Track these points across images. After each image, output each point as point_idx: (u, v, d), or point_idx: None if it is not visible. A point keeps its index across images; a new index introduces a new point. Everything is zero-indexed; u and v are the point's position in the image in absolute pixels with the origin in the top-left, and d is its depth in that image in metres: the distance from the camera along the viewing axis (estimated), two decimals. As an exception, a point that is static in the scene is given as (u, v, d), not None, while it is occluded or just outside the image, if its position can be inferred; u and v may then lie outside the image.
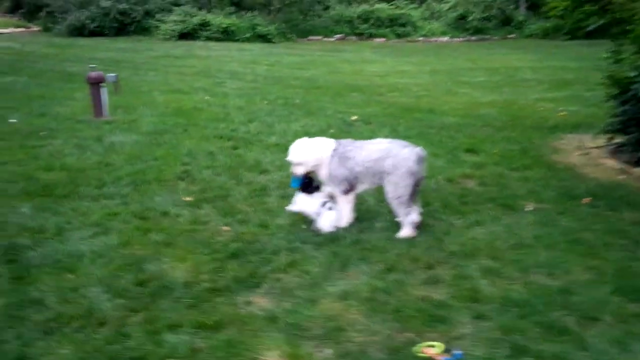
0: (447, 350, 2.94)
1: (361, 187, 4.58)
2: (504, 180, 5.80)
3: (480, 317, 3.28)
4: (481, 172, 6.03)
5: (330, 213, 4.47)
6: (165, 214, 4.90)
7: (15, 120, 8.33)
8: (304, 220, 4.66)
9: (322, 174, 4.55)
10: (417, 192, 4.49)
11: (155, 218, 4.82)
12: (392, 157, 4.31)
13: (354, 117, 8.84)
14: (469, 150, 6.93)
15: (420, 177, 4.42)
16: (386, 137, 7.52)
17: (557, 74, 14.39)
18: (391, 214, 4.58)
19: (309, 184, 4.62)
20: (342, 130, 7.94)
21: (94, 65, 8.52)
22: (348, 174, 4.43)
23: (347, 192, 4.52)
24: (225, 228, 4.60)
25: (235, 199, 5.25)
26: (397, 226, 4.46)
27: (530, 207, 5.01)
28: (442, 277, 3.74)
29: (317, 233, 4.42)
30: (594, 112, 9.38)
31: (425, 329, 3.16)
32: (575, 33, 8.66)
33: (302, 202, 4.58)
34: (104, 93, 8.53)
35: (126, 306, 3.44)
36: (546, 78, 13.60)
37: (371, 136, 6.29)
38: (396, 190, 4.31)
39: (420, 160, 4.37)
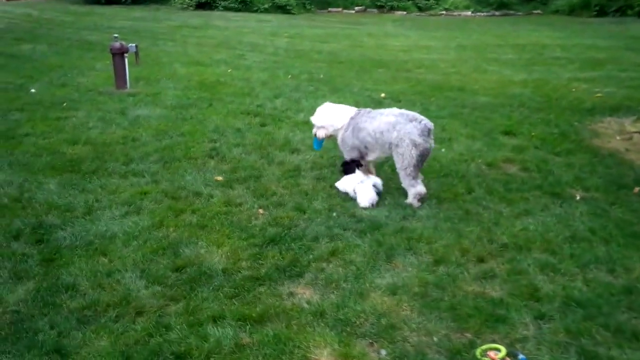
0: (510, 354, 2.74)
1: (372, 156, 4.77)
2: (547, 165, 5.53)
3: (542, 317, 3.07)
4: (522, 157, 5.77)
5: (363, 188, 4.50)
6: (197, 194, 4.71)
7: (35, 91, 8.13)
8: (342, 205, 4.45)
9: (339, 138, 4.91)
10: (422, 164, 4.55)
11: (188, 198, 4.62)
12: (397, 130, 4.43)
13: (383, 95, 8.55)
14: (507, 133, 6.65)
15: (425, 149, 4.43)
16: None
17: (588, 52, 13.91)
18: (435, 201, 4.37)
19: (349, 165, 4.70)
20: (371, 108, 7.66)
21: (117, 35, 8.26)
22: (358, 144, 4.71)
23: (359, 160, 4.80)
24: (260, 211, 4.40)
25: (268, 180, 5.04)
26: (443, 215, 4.25)
27: (579, 195, 4.75)
28: (496, 272, 3.52)
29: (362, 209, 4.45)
30: (630, 94, 9.03)
31: (484, 330, 2.96)
32: (626, 11, 8.22)
33: (344, 182, 4.69)
34: (127, 64, 8.29)
35: (164, 294, 3.27)
36: (577, 57, 13.14)
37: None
38: (403, 161, 4.42)
39: (424, 133, 4.41)
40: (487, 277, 3.46)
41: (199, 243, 3.88)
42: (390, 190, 4.78)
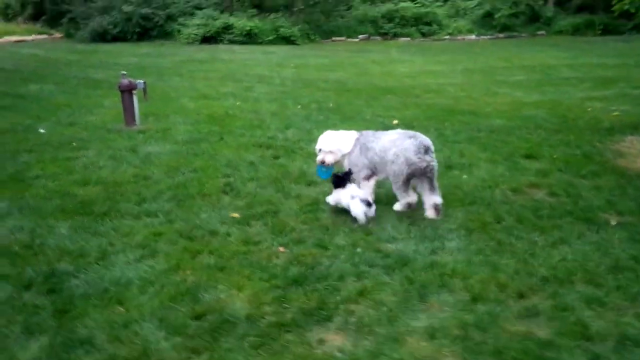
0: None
1: (381, 176, 4.86)
2: (574, 189, 5.32)
3: (597, 359, 2.83)
4: (547, 181, 5.56)
5: (356, 202, 4.51)
6: (213, 232, 4.52)
7: (44, 131, 8.03)
8: (364, 239, 4.25)
9: (346, 162, 4.94)
10: (432, 180, 4.63)
11: (204, 238, 4.43)
12: (396, 147, 4.60)
13: (396, 121, 8.39)
14: (528, 156, 6.45)
15: (420, 167, 4.53)
16: (432, 142, 7.16)
17: (597, 71, 13.80)
18: (464, 231, 4.16)
19: (340, 178, 4.74)
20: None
21: (125, 72, 8.18)
22: (368, 163, 4.80)
23: (368, 177, 4.87)
24: (281, 249, 4.19)
25: (286, 215, 4.84)
26: (474, 247, 4.04)
27: (614, 220, 4.53)
28: (539, 308, 3.29)
29: (356, 224, 4.50)
30: (649, 112, 8.87)
31: (535, 375, 2.72)
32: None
33: (337, 196, 4.76)
34: (136, 101, 8.20)
35: (186, 346, 3.05)
36: (586, 76, 13.03)
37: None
38: (395, 176, 4.63)
39: (420, 150, 4.53)
40: (530, 315, 3.23)
41: (219, 287, 3.67)
42: (416, 221, 4.58)
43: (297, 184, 5.68)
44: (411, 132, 4.74)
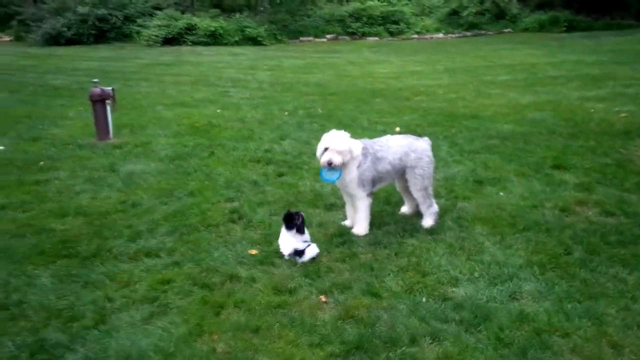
0: None
1: (376, 187, 4.45)
2: (628, 206, 4.76)
3: None
4: (594, 197, 4.98)
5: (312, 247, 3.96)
6: (233, 277, 3.73)
7: (3, 148, 7.02)
8: (421, 281, 3.55)
9: (350, 173, 4.23)
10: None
11: (224, 285, 3.64)
12: (413, 151, 4.36)
13: (398, 129, 7.73)
14: (557, 166, 5.89)
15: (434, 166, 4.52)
16: (448, 152, 6.52)
17: (579, 69, 13.50)
18: (537, 269, 3.52)
19: (293, 218, 4.01)
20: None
21: (97, 80, 7.24)
22: (375, 175, 4.30)
23: (370, 193, 4.33)
24: (323, 298, 3.45)
25: (314, 250, 4.09)
26: (557, 289, 3.38)
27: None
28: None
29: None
30: (656, 112, 8.50)
31: None
32: None
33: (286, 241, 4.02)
34: (109, 112, 7.27)
35: None
36: (571, 74, 12.70)
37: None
38: (423, 181, 4.36)
39: (431, 148, 4.51)
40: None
41: (260, 358, 2.90)
42: (469, 251, 3.91)
43: (314, 207, 4.94)
44: (409, 135, 4.56)
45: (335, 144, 4.17)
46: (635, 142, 6.94)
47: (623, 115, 8.36)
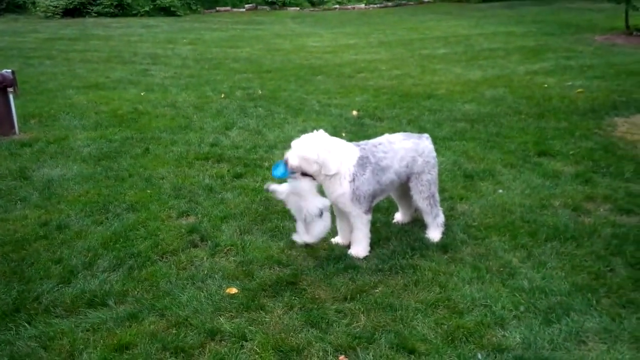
0: None
1: (380, 199, 3.72)
2: (641, 200, 4.28)
3: None
4: (600, 191, 4.46)
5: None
6: (215, 333, 2.81)
7: None
8: (463, 326, 2.82)
9: (338, 187, 3.41)
10: None
11: (204, 349, 2.71)
12: (420, 155, 3.66)
13: (355, 112, 6.97)
14: (543, 153, 5.37)
15: None
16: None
17: (514, 41, 13.28)
18: (589, 294, 2.88)
19: None
20: (355, 133, 6.06)
21: (-7, 62, 5.86)
22: (377, 188, 3.50)
23: (369, 209, 3.52)
24: (342, 358, 2.63)
25: (311, 285, 3.24)
26: (618, 322, 2.76)
27: None
28: None
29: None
30: (609, 87, 8.24)
31: None
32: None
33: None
34: (12, 102, 5.94)
35: None
36: (507, 47, 12.41)
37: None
38: (430, 187, 3.70)
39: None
40: None
41: None
42: (504, 282, 3.23)
43: (292, 219, 4.05)
44: (408, 133, 3.79)
45: (299, 148, 3.36)
46: (606, 121, 6.59)
47: (580, 90, 8.05)
